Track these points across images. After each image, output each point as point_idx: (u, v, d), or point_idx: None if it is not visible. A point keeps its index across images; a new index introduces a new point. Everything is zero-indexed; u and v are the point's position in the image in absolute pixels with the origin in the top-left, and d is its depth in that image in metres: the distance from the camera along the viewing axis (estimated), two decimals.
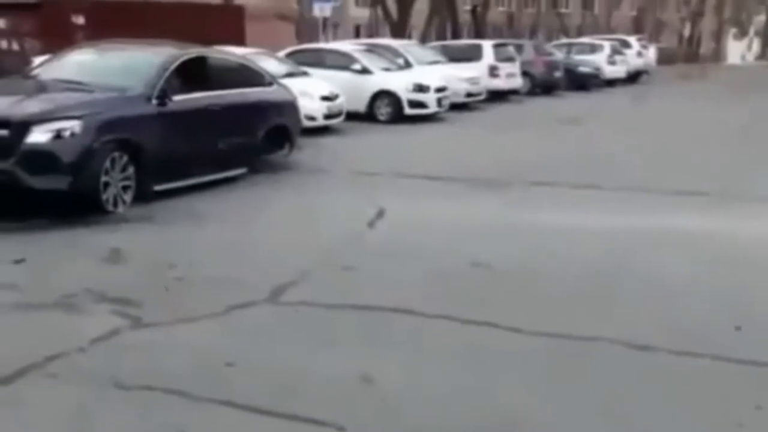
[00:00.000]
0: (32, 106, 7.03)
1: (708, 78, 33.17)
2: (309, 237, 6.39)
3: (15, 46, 17.43)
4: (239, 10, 21.70)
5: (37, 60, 10.87)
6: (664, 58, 40.09)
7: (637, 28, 50.42)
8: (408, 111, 14.80)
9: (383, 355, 4.05)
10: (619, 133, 13.95)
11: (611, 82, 25.94)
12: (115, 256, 5.71)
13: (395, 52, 16.90)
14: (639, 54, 29.81)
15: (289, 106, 9.74)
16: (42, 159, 6.55)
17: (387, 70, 15.31)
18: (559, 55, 24.70)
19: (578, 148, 11.83)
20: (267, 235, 6.50)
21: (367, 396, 3.62)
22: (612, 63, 26.56)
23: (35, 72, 8.61)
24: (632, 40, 31.03)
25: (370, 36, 28.71)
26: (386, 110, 14.83)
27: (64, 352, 3.94)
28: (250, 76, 9.34)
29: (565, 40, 32.36)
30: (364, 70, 14.85)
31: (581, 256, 5.94)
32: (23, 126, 6.54)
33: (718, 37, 60.85)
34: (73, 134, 6.63)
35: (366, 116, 14.53)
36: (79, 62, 8.32)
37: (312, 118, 12.14)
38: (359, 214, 7.06)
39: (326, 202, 7.78)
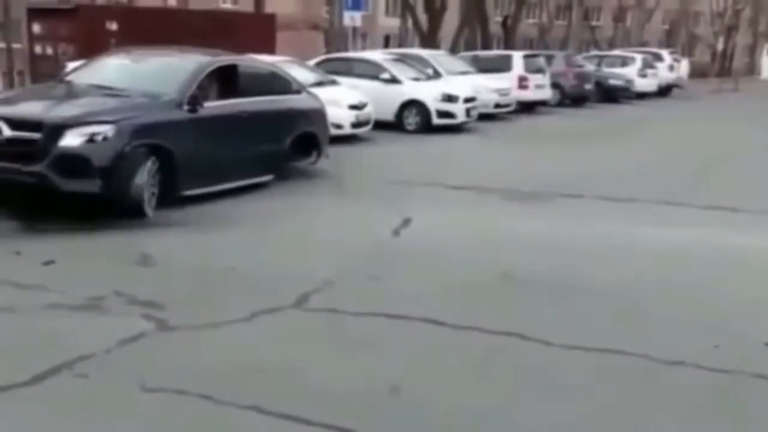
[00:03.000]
0: (66, 110, 7.13)
1: (741, 93, 32.79)
2: (335, 245, 6.40)
3: (49, 51, 17.72)
4: (270, 19, 21.89)
5: (71, 65, 11.05)
6: (696, 72, 39.76)
7: (669, 41, 50.01)
8: (436, 121, 14.79)
9: (410, 365, 4.03)
10: (650, 146, 13.81)
11: (642, 95, 25.74)
12: (144, 260, 5.77)
13: (424, 62, 16.91)
14: (671, 68, 29.59)
15: (318, 114, 9.78)
16: (74, 162, 6.62)
17: (416, 79, 15.32)
18: (589, 67, 24.56)
19: (607, 161, 11.73)
20: (293, 241, 6.52)
21: (395, 405, 3.60)
22: (643, 76, 26.37)
23: (69, 77, 8.74)
24: (664, 53, 30.80)
25: (400, 46, 28.74)
26: (414, 120, 14.83)
27: (92, 353, 3.98)
28: (279, 84, 9.39)
29: (596, 53, 32.16)
30: (393, 80, 14.87)
31: (611, 268, 5.88)
32: (57, 129, 6.63)
33: (753, 51, 60.10)
34: (105, 138, 6.70)
35: (394, 125, 14.54)
36: (113, 68, 8.43)
37: (340, 127, 12.17)
38: (385, 223, 7.06)
39: (353, 211, 7.79)
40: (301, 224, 7.22)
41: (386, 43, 40.65)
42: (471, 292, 5.25)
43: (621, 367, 4.09)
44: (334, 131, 11.23)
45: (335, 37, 22.29)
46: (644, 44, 41.54)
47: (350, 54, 18.46)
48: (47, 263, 5.52)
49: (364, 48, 31.53)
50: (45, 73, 16.50)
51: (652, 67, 27.38)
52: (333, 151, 10.31)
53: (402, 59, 16.32)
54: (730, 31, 54.37)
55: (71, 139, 6.62)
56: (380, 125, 13.72)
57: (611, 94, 24.00)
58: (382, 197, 8.45)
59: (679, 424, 3.52)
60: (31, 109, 7.22)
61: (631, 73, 25.84)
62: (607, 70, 25.79)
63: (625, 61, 26.86)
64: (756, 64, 58.43)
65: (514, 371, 4.02)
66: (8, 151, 6.63)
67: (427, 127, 14.66)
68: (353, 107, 12.82)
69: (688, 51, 51.10)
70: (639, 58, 27.06)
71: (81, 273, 5.41)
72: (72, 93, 7.96)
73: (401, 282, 5.44)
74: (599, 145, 13.66)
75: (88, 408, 3.48)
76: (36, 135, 6.64)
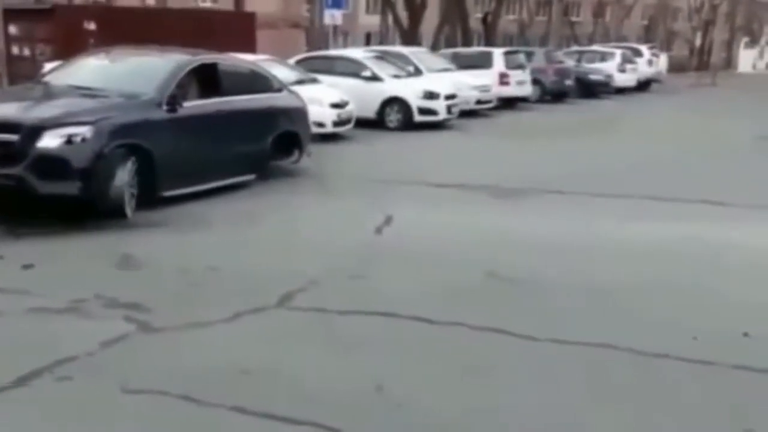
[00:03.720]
0: (43, 111, 7.05)
1: (719, 86, 33.08)
2: (318, 243, 6.38)
3: (27, 52, 17.54)
4: (250, 17, 21.78)
5: (49, 66, 10.94)
6: (675, 67, 40.12)
7: (648, 36, 50.36)
8: (418, 118, 14.80)
9: (395, 362, 4.02)
10: (631, 141, 13.91)
11: (622, 90, 25.90)
12: (125, 262, 5.72)
13: (405, 59, 16.92)
14: (650, 62, 29.79)
15: (299, 113, 9.75)
16: (52, 164, 6.55)
17: (397, 77, 15.32)
18: (569, 63, 24.68)
19: (589, 157, 11.79)
20: (276, 241, 6.50)
21: (380, 403, 3.59)
22: (623, 71, 26.54)
23: (47, 78, 8.65)
24: (643, 48, 31.00)
25: (381, 43, 28.72)
26: (396, 117, 14.83)
27: (74, 355, 3.94)
28: (260, 82, 9.35)
29: (575, 48, 32.32)
30: (374, 77, 14.87)
31: (595, 265, 5.91)
32: (34, 131, 6.55)
33: (730, 45, 60.64)
34: (84, 140, 6.63)
35: (376, 123, 14.54)
36: (91, 68, 8.35)
37: (321, 125, 12.15)
38: (368, 221, 7.05)
39: (335, 209, 7.77)
40: (284, 223, 7.19)
41: (367, 40, 40.62)
42: (455, 289, 5.26)
43: (607, 360, 4.11)
44: (315, 130, 11.21)
45: (316, 36, 22.26)
46: (623, 39, 41.85)
47: (331, 52, 18.42)
48: (27, 267, 5.46)
49: (345, 46, 31.46)
50: (22, 74, 16.32)
51: (631, 62, 27.58)
52: (315, 150, 10.28)
53: (383, 57, 16.32)
54: (708, 26, 54.88)
55: (49, 141, 6.55)
56: (362, 123, 13.71)
57: (591, 90, 24.16)
58: (365, 195, 8.44)
59: (668, 414, 3.54)
60: (8, 110, 7.11)
61: (610, 68, 26.03)
62: (586, 65, 25.93)
63: (604, 57, 27.01)
64: (733, 58, 58.99)
65: (501, 367, 4.03)
66: None
67: (408, 124, 14.67)
68: (335, 105, 12.80)
69: (666, 46, 51.54)
70: (618, 53, 27.24)
71: (62, 276, 5.36)
72: (50, 94, 7.88)
73: (385, 280, 5.44)
74: (581, 141, 13.73)
75: (70, 410, 3.46)
76: (13, 137, 6.55)
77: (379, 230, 6.84)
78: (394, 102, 14.82)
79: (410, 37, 27.00)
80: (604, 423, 3.48)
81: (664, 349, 4.21)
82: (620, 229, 7.05)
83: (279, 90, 9.62)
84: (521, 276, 5.54)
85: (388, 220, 7.13)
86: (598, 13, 50.19)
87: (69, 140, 6.60)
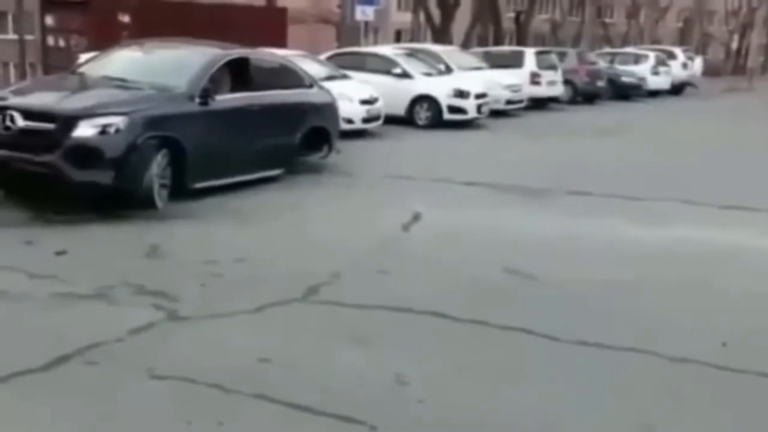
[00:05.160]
0: (79, 101, 7.18)
1: (756, 90, 32.58)
2: (344, 238, 6.42)
3: (62, 43, 17.81)
4: (282, 13, 21.90)
5: (84, 57, 11.10)
6: (710, 71, 39.49)
7: (683, 39, 49.74)
8: (447, 116, 14.78)
9: (417, 357, 4.05)
10: (661, 144, 13.78)
11: (655, 93, 25.61)
12: (154, 251, 5.81)
13: (436, 57, 16.90)
14: (684, 66, 29.38)
15: (329, 109, 9.79)
16: (86, 153, 6.66)
17: (427, 74, 15.31)
18: (602, 65, 24.47)
19: (618, 159, 11.71)
20: (302, 235, 6.55)
21: (402, 398, 3.62)
22: (656, 74, 26.21)
23: (82, 68, 8.79)
24: (678, 51, 30.59)
25: (412, 41, 28.72)
26: (425, 115, 14.83)
27: (103, 341, 4.02)
28: (290, 77, 9.41)
29: (608, 50, 32.04)
30: (405, 75, 14.87)
31: (619, 266, 5.88)
32: (70, 120, 6.67)
33: (767, 49, 59.72)
34: (117, 130, 6.74)
35: (405, 120, 14.54)
36: (125, 60, 8.46)
37: (350, 121, 12.19)
38: (395, 218, 7.07)
39: (362, 205, 7.80)
40: (311, 218, 7.24)
41: (397, 37, 40.61)
42: (478, 287, 5.27)
43: (628, 364, 4.10)
44: (344, 126, 11.25)
45: (347, 32, 22.30)
46: (657, 42, 41.37)
47: (362, 48, 18.48)
48: (59, 253, 5.57)
49: (375, 43, 31.50)
50: (57, 64, 16.58)
51: (665, 64, 27.22)
52: (343, 146, 10.33)
53: (414, 54, 16.32)
54: (745, 29, 54.08)
55: (84, 130, 6.66)
56: (391, 120, 13.72)
57: (623, 92, 23.91)
58: (392, 192, 8.47)
59: (684, 420, 3.53)
60: (45, 100, 7.26)
61: (644, 70, 25.71)
62: (619, 67, 25.68)
63: (638, 59, 26.72)
64: None
65: (520, 365, 4.04)
66: (21, 141, 6.68)
67: (438, 122, 14.65)
68: (364, 102, 12.84)
69: (701, 49, 50.84)
70: (652, 55, 26.91)
71: (92, 263, 5.46)
72: (85, 84, 8.01)
73: (410, 276, 5.46)
74: (611, 143, 13.64)
75: (97, 394, 3.53)
76: (49, 126, 6.68)
77: (406, 227, 6.86)
78: (423, 100, 14.81)
79: (442, 35, 26.96)
80: (625, 426, 3.47)
81: (690, 353, 4.18)
82: (648, 230, 7.00)
83: (310, 86, 9.67)
84: (546, 275, 5.53)
85: (416, 217, 7.15)
86: (632, 14, 49.69)
87: (103, 130, 6.70)
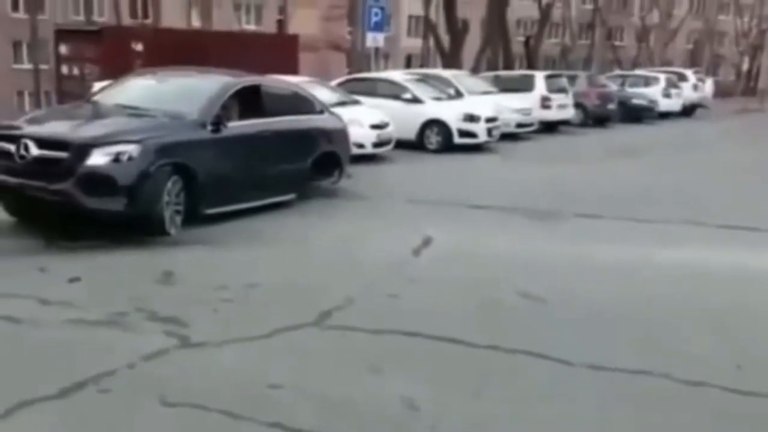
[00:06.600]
0: (92, 129, 7.25)
1: (767, 112, 32.49)
2: (356, 263, 6.43)
3: (76, 71, 18.04)
4: (293, 40, 22.13)
5: (98, 85, 11.24)
6: (720, 92, 39.42)
7: (693, 61, 49.76)
8: (458, 140, 14.82)
9: (429, 383, 4.03)
10: (672, 167, 13.74)
11: (666, 115, 25.58)
12: (167, 277, 5.83)
13: (446, 82, 16.98)
14: (695, 87, 29.34)
15: (340, 134, 9.85)
16: (100, 181, 6.72)
17: (438, 99, 15.38)
18: (612, 87, 24.50)
19: (629, 181, 11.68)
20: (314, 260, 6.56)
21: (414, 423, 3.61)
22: (667, 96, 26.18)
23: (96, 97, 8.89)
24: (688, 73, 30.59)
25: (422, 66, 28.90)
26: (436, 139, 14.87)
27: (116, 368, 4.03)
28: (302, 103, 9.49)
29: (619, 72, 32.06)
30: (415, 99, 14.94)
31: (631, 289, 5.85)
32: (83, 149, 6.74)
33: None
34: (130, 158, 6.80)
35: (415, 145, 14.59)
36: (138, 88, 8.57)
37: (361, 146, 12.24)
38: (406, 242, 7.08)
39: (373, 230, 7.82)
40: (322, 242, 7.26)
41: (408, 63, 40.88)
42: (490, 311, 5.25)
43: (642, 388, 4.06)
44: (355, 150, 11.30)
45: (358, 58, 22.45)
46: (668, 64, 41.40)
47: (372, 74, 18.57)
48: (72, 280, 5.60)
49: (386, 68, 31.70)
50: (71, 92, 16.81)
51: (676, 86, 27.20)
52: (354, 171, 10.37)
53: (424, 79, 16.42)
54: (755, 50, 54.03)
55: (97, 158, 6.73)
56: (402, 145, 13.78)
57: (635, 114, 23.90)
58: (403, 216, 8.48)
59: None
60: (59, 128, 7.34)
61: (654, 92, 25.71)
62: (630, 90, 25.70)
63: (648, 81, 26.73)
64: None
65: (533, 390, 4.01)
66: (35, 169, 6.76)
67: (448, 146, 14.68)
68: (375, 127, 12.90)
69: (712, 71, 50.81)
70: (663, 77, 26.91)
71: (104, 289, 5.49)
72: (98, 113, 8.10)
73: (421, 300, 5.45)
74: (621, 165, 13.61)
75: (111, 421, 3.54)
76: (63, 154, 6.75)
77: (417, 251, 6.86)
78: (434, 124, 14.86)
79: (451, 60, 27.11)
80: None
81: (704, 377, 4.14)
82: (659, 252, 6.97)
83: (321, 111, 9.74)
84: (557, 298, 5.50)
85: (427, 242, 7.15)
86: (642, 37, 49.79)
87: (116, 158, 6.77)
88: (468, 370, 4.25)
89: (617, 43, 51.56)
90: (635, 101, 24.48)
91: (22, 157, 6.80)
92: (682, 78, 28.93)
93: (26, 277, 5.71)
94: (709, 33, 55.35)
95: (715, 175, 12.53)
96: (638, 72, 31.12)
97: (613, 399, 3.93)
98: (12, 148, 6.88)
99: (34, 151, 6.77)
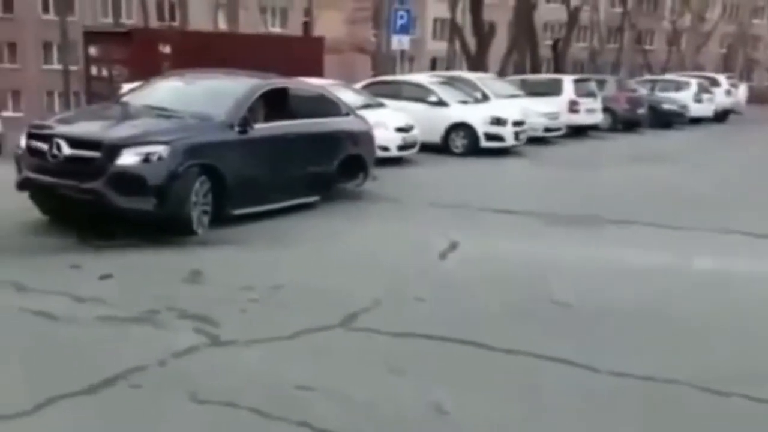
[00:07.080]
0: (123, 130, 7.35)
1: None
2: (381, 266, 6.44)
3: (104, 73, 18.26)
4: (319, 42, 22.19)
5: (127, 86, 11.37)
6: (755, 98, 38.78)
7: (726, 65, 49.10)
8: (484, 144, 14.78)
9: (456, 387, 4.03)
10: (704, 172, 13.60)
11: (697, 121, 25.20)
12: (194, 276, 5.89)
13: (472, 85, 16.95)
14: (728, 92, 28.78)
15: (365, 137, 9.88)
16: (130, 180, 6.81)
17: (464, 102, 15.36)
18: (642, 92, 24.24)
19: (659, 187, 11.59)
20: (340, 262, 6.59)
21: (442, 427, 3.61)
22: (698, 101, 25.74)
23: (125, 98, 9.00)
24: (721, 78, 30.08)
25: (447, 69, 28.86)
26: (461, 143, 14.84)
27: (147, 364, 4.09)
28: (327, 106, 9.53)
29: (649, 77, 31.71)
30: (440, 102, 14.93)
31: (661, 296, 5.81)
32: (114, 149, 6.83)
33: None
34: (160, 158, 6.88)
35: (441, 148, 14.57)
36: (167, 90, 8.65)
37: (386, 149, 12.26)
38: (432, 246, 7.08)
39: (399, 233, 7.83)
40: (347, 245, 7.29)
41: (433, 66, 40.84)
42: (516, 316, 5.24)
43: (670, 397, 4.03)
44: (380, 153, 11.32)
45: (383, 61, 22.50)
46: (700, 68, 40.93)
47: (397, 77, 18.60)
48: (104, 277, 5.69)
49: (411, 71, 31.70)
50: (100, 93, 17.01)
51: (708, 92, 26.72)
52: (379, 173, 10.39)
53: (449, 82, 16.40)
54: None
55: (127, 158, 6.82)
56: (427, 148, 13.77)
57: (665, 119, 23.60)
58: (429, 219, 8.48)
59: None
60: (90, 128, 7.45)
61: (685, 97, 25.32)
62: (660, 94, 25.37)
63: (679, 86, 26.33)
64: None
65: (559, 397, 3.99)
66: (67, 168, 6.87)
67: (474, 150, 14.65)
68: (400, 129, 12.92)
69: (746, 76, 50.15)
70: (694, 82, 26.45)
71: (135, 287, 5.57)
72: (128, 114, 8.20)
73: (447, 304, 5.46)
74: (651, 171, 13.49)
75: (141, 417, 3.59)
76: (94, 153, 6.85)
77: (443, 255, 6.86)
78: (459, 127, 14.83)
79: (477, 63, 27.04)
80: None
81: (732, 386, 4.10)
82: (689, 260, 6.90)
83: (346, 114, 9.78)
84: (583, 304, 5.48)
85: (453, 246, 7.14)
86: (673, 41, 49.24)
87: (146, 158, 6.86)
88: (493, 374, 4.25)
89: (647, 47, 51.05)
90: (665, 106, 24.18)
91: (54, 156, 6.91)
92: (715, 83, 28.41)
93: (59, 274, 5.81)
94: (742, 37, 54.64)
95: (749, 182, 12.37)
96: (669, 76, 30.70)
97: (641, 407, 3.89)
98: (45, 147, 7.01)
99: (66, 150, 6.88)
